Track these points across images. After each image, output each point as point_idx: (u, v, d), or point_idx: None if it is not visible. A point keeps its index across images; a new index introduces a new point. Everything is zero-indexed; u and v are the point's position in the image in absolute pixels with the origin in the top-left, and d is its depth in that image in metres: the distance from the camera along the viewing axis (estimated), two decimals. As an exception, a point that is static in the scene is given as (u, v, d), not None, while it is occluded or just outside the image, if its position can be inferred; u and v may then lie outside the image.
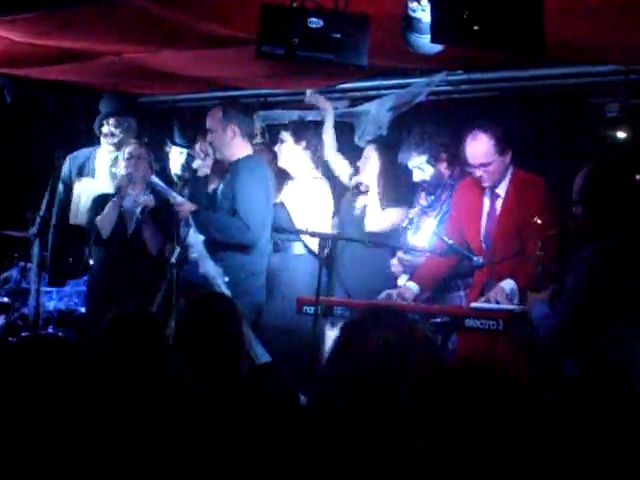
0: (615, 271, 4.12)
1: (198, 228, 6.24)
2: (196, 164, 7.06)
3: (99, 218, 6.65)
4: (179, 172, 7.44)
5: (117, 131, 7.38)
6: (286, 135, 6.64)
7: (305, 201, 6.53)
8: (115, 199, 6.64)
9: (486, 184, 5.75)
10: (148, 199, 6.66)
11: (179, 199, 6.41)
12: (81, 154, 7.52)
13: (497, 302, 5.31)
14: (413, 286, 5.85)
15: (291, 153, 6.63)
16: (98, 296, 6.70)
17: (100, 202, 6.84)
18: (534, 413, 2.34)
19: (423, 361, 2.18)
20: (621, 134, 6.41)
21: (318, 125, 6.91)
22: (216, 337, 3.63)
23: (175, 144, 7.56)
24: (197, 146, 7.16)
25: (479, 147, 5.67)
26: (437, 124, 6.50)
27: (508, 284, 5.46)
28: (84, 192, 7.28)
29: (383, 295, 5.83)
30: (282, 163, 6.67)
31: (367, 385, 2.15)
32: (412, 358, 2.18)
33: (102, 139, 7.44)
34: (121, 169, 6.77)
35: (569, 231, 4.85)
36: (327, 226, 6.55)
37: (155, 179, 6.59)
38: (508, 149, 5.69)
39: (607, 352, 4.13)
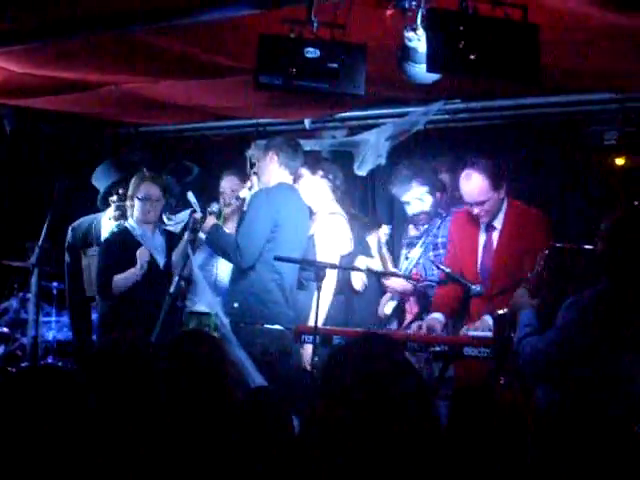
0: (610, 317, 4.04)
1: (209, 244, 6.39)
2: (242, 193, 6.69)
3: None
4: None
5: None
6: (303, 170, 6.57)
7: (321, 236, 6.46)
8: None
9: (484, 220, 5.72)
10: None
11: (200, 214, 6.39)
12: (83, 223, 7.27)
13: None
14: (439, 316, 5.76)
15: (310, 186, 6.59)
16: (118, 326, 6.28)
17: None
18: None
19: (409, 391, 2.18)
20: (619, 161, 6.43)
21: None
22: (199, 373, 3.74)
23: None
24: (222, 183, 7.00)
25: (473, 186, 5.63)
26: (434, 153, 6.50)
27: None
28: (93, 263, 6.93)
29: (414, 327, 5.82)
30: (305, 199, 6.55)
31: (354, 413, 2.15)
32: (397, 387, 2.18)
33: (112, 206, 7.19)
34: (136, 209, 6.57)
35: (563, 255, 4.81)
36: (336, 261, 6.34)
37: (192, 196, 6.53)
38: (502, 183, 5.65)
39: (594, 386, 4.06)
